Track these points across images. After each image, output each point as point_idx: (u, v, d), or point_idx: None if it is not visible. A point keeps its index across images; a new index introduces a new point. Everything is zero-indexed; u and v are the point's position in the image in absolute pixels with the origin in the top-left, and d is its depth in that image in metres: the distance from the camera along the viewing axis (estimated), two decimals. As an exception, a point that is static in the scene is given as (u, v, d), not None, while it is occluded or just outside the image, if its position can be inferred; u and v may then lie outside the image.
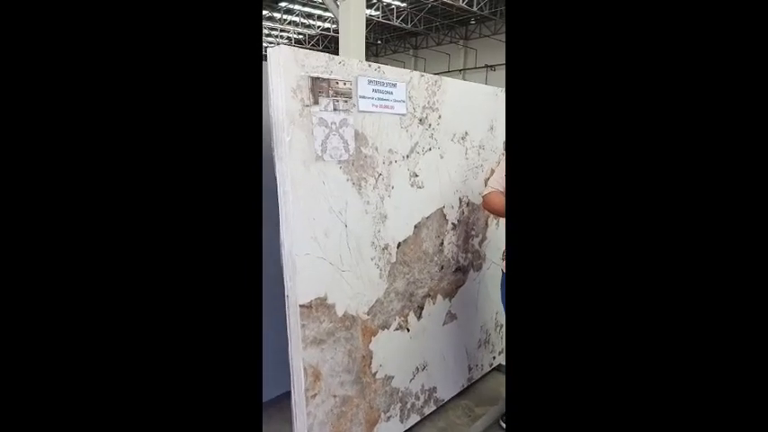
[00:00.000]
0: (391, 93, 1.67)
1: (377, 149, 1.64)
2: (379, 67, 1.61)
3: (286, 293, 1.49)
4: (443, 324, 2.10)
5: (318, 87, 1.42)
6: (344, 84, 1.50)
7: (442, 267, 2.03)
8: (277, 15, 15.13)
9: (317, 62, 1.41)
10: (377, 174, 1.65)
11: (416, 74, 1.76)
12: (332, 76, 1.45)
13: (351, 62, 1.52)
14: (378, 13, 14.75)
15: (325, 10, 11.53)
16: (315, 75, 1.40)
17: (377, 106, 1.62)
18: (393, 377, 1.86)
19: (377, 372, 1.77)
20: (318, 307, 1.51)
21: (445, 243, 2.02)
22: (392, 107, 1.68)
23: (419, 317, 1.95)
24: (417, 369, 1.99)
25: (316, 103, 1.42)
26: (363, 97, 1.57)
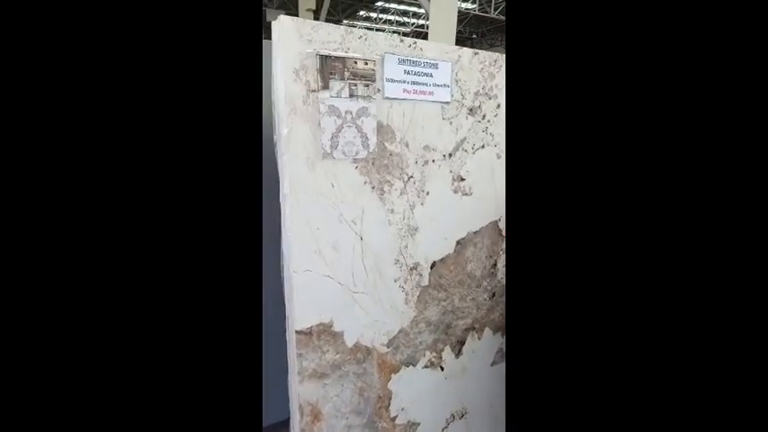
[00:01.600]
0: (431, 75, 1.33)
1: (407, 146, 1.32)
2: (414, 43, 1.29)
3: (286, 315, 1.27)
4: (492, 364, 1.69)
5: (330, 68, 1.16)
6: (366, 64, 1.21)
7: (494, 295, 1.63)
8: (373, 15, 15.35)
9: (330, 36, 1.15)
10: (406, 176, 1.34)
11: (468, 51, 1.39)
12: (349, 54, 1.18)
13: (376, 36, 1.22)
14: (474, 6, 14.05)
15: (419, 6, 11.28)
16: (325, 52, 1.14)
17: (410, 92, 1.30)
18: (419, 424, 1.52)
19: (397, 416, 1.46)
20: (321, 334, 1.25)
21: (499, 265, 1.62)
22: (431, 93, 1.35)
23: (458, 353, 1.58)
24: (453, 417, 1.62)
25: (325, 87, 1.15)
26: (391, 80, 1.26)
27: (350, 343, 1.31)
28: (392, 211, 1.33)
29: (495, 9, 14.17)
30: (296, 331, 1.21)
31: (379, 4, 14.37)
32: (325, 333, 1.26)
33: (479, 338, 1.63)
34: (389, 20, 15.68)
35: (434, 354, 1.52)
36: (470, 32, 18.19)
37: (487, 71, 1.44)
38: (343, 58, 1.17)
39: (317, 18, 8.47)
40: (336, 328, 1.28)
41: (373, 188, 1.28)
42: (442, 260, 1.47)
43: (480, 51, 1.41)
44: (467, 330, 1.59)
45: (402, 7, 14.46)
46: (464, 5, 13.32)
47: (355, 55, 1.19)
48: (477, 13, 14.27)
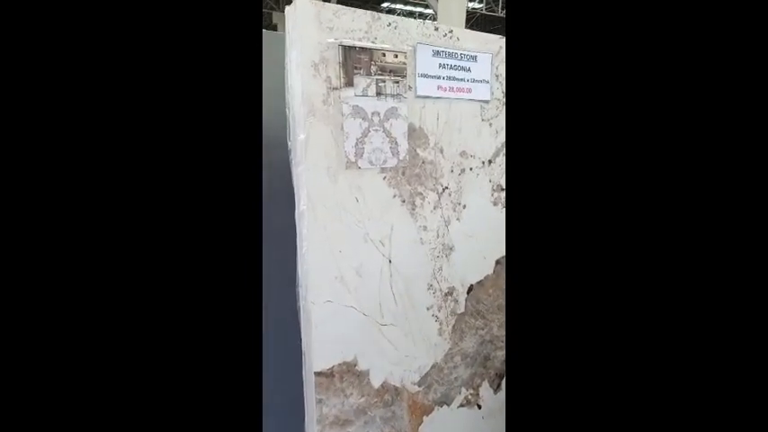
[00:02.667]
0: (469, 69, 1.14)
1: (442, 152, 1.13)
2: (450, 31, 1.10)
3: (303, 353, 1.08)
4: (534, 399, 1.49)
5: (354, 61, 0.97)
6: (395, 56, 1.02)
7: (536, 320, 1.43)
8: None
9: (354, 23, 0.96)
10: (441, 187, 1.15)
11: (510, 42, 1.20)
12: (376, 45, 0.99)
13: (407, 24, 1.03)
14: (481, 5, 13.85)
15: (426, 7, 11.10)
16: (349, 42, 0.96)
17: (446, 89, 1.12)
18: (454, 471, 1.33)
19: (430, 464, 1.27)
20: (344, 375, 1.06)
21: (542, 286, 1.42)
22: (469, 90, 1.16)
23: (497, 388, 1.38)
24: (491, 460, 1.42)
25: (349, 84, 0.97)
26: (425, 76, 1.08)
27: (376, 383, 1.12)
28: (425, 228, 1.14)
29: (503, 9, 13.95)
30: (315, 373, 1.02)
31: (385, 5, 14.23)
32: (348, 373, 1.07)
33: (520, 370, 1.43)
34: (395, 21, 15.48)
35: (471, 390, 1.32)
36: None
37: (532, 65, 1.24)
38: (370, 49, 0.99)
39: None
40: (361, 366, 1.09)
41: (404, 202, 1.09)
42: (479, 283, 1.27)
43: (524, 42, 1.22)
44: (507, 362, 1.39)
45: (408, 8, 14.30)
46: (471, 5, 13.13)
47: (384, 46, 1.00)
48: (484, 12, 14.07)
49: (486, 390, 1.36)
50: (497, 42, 1.18)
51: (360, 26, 0.97)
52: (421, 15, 15.12)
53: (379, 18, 0.99)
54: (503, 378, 1.39)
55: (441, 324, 1.22)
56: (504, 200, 1.27)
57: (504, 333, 1.36)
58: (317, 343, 1.01)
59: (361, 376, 1.09)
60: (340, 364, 1.05)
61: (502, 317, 1.34)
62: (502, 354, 1.37)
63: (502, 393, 1.39)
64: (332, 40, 0.94)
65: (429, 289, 1.18)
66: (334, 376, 1.05)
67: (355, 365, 1.08)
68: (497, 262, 1.30)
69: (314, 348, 1.01)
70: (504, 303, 1.33)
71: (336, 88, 0.95)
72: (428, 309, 1.18)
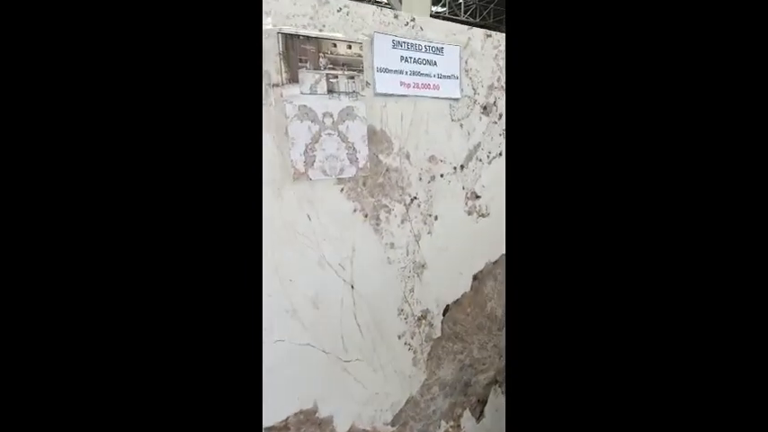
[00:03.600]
0: (434, 63, 1.01)
1: (408, 157, 0.99)
2: (412, 20, 0.96)
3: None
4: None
5: (299, 52, 0.81)
6: (349, 47, 0.87)
7: (519, 338, 1.31)
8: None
9: (297, 8, 0.80)
10: (408, 197, 1.00)
11: (479, 32, 1.08)
12: (325, 34, 0.84)
13: (360, 9, 0.89)
14: (444, 9, 13.96)
15: (384, 6, 11.04)
16: (291, 29, 0.80)
17: (410, 85, 0.97)
18: None
19: None
20: (302, 426, 0.90)
21: (524, 300, 1.30)
22: (437, 87, 1.02)
23: (479, 416, 1.25)
24: (477, 496, 1.29)
25: (293, 80, 0.81)
26: (384, 70, 0.93)
27: (342, 430, 0.96)
28: (392, 245, 0.99)
29: (466, 11, 14.13)
30: (265, 429, 0.85)
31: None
32: (307, 423, 0.90)
33: (504, 393, 1.30)
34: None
35: (452, 422, 1.18)
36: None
37: (504, 58, 1.13)
38: (318, 38, 0.83)
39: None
40: (323, 413, 0.92)
41: (366, 216, 0.94)
42: (456, 302, 1.14)
43: (494, 33, 1.10)
44: (489, 385, 1.26)
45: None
46: (434, 8, 13.20)
47: (335, 35, 0.85)
48: (447, 16, 14.20)
49: (467, 420, 1.22)
50: (465, 33, 1.05)
51: (303, 11, 0.81)
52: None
53: (328, 2, 0.84)
54: (485, 404, 1.26)
55: (415, 353, 1.07)
56: (479, 208, 1.14)
57: (485, 355, 1.23)
58: (267, 392, 0.84)
59: (324, 424, 0.93)
60: (296, 414, 0.88)
61: (482, 337, 1.21)
62: (483, 377, 1.24)
63: (485, 420, 1.26)
64: (269, 26, 0.78)
65: (400, 314, 1.03)
66: (289, 429, 0.88)
67: (315, 413, 0.91)
68: (475, 277, 1.17)
69: (263, 399, 0.84)
70: (483, 322, 1.20)
71: (277, 85, 0.79)
72: (400, 337, 1.03)
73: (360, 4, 0.88)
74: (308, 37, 0.82)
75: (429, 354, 1.10)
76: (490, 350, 1.24)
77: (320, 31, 0.83)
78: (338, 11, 0.85)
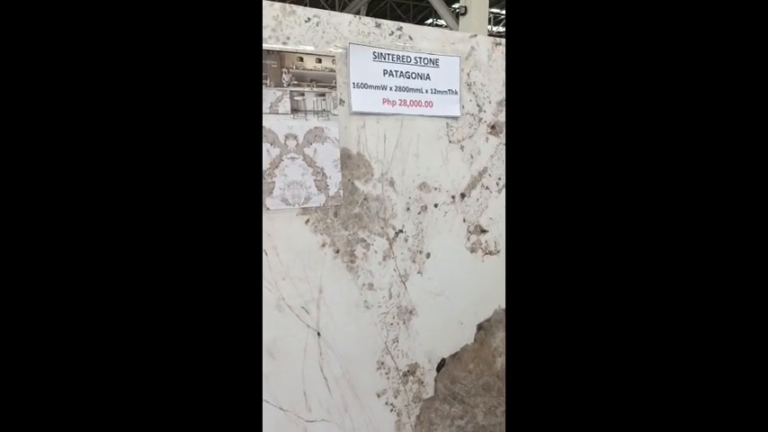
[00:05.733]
0: (427, 77, 0.88)
1: (392, 185, 0.85)
2: (399, 28, 0.84)
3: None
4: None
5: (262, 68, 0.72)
6: (318, 61, 0.77)
7: (540, 402, 1.08)
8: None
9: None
10: (393, 230, 0.86)
11: (486, 40, 0.93)
12: (290, 47, 0.75)
13: (334, 19, 0.79)
14: (504, 29, 13.75)
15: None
16: (249, 43, 0.71)
17: (395, 103, 0.85)
18: None
19: None
20: (251, 496, 0.76)
21: (546, 357, 1.08)
22: (430, 104, 0.88)
23: (487, 497, 1.03)
24: None
25: (250, 97, 0.72)
26: (362, 86, 0.82)
27: (304, 503, 0.81)
28: (370, 286, 0.85)
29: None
30: (204, 497, 0.73)
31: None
32: (258, 493, 0.77)
33: (519, 469, 1.07)
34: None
35: (448, 503, 0.98)
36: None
37: (517, 69, 0.96)
38: (280, 52, 0.74)
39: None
40: (279, 481, 0.79)
41: (337, 252, 0.81)
42: (455, 356, 0.95)
43: (503, 41, 0.94)
44: (499, 459, 1.04)
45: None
46: (494, 28, 13.02)
47: (301, 48, 0.76)
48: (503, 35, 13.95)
49: (470, 500, 1.01)
50: (467, 42, 0.91)
51: (264, 22, 0.73)
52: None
53: (294, 12, 0.75)
54: (494, 482, 1.04)
55: (399, 415, 0.90)
56: (485, 245, 0.96)
57: (494, 421, 1.02)
58: (207, 453, 0.73)
59: (279, 496, 0.79)
60: (244, 482, 0.76)
61: (489, 400, 1.01)
62: (492, 450, 1.03)
63: (494, 504, 1.04)
64: (223, 40, 0.70)
65: (380, 368, 0.87)
66: (234, 499, 0.75)
67: (268, 482, 0.78)
68: (480, 327, 0.98)
69: (203, 461, 0.73)
70: (491, 381, 1.00)
71: (230, 104, 0.71)
72: (379, 395, 0.88)
73: (333, 13, 0.78)
74: (268, 51, 0.73)
75: (418, 417, 0.92)
76: (500, 416, 1.02)
77: (284, 43, 0.74)
78: (306, 21, 0.76)
